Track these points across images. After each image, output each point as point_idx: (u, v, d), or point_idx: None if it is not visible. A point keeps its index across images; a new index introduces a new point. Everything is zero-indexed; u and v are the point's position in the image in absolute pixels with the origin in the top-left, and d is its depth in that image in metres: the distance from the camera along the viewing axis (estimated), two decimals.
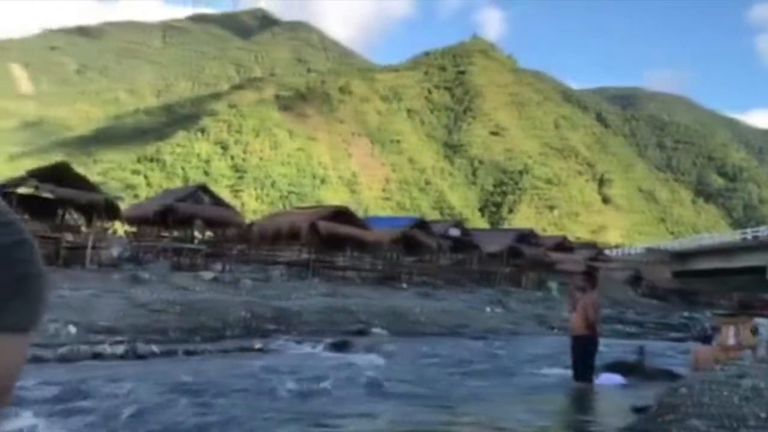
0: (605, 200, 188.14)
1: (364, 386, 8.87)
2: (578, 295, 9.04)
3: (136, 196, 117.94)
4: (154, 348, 12.00)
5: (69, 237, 21.52)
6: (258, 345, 13.40)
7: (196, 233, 27.14)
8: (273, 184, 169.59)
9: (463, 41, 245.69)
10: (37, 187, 20.80)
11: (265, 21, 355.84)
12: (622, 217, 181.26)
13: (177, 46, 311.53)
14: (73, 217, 23.05)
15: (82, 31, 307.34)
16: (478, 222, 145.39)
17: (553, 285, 35.90)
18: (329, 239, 27.99)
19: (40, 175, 20.84)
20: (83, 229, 22.43)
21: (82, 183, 21.79)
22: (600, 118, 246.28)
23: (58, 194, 20.73)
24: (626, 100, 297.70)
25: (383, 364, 11.26)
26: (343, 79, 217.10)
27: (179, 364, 10.70)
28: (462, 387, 9.39)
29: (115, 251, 23.90)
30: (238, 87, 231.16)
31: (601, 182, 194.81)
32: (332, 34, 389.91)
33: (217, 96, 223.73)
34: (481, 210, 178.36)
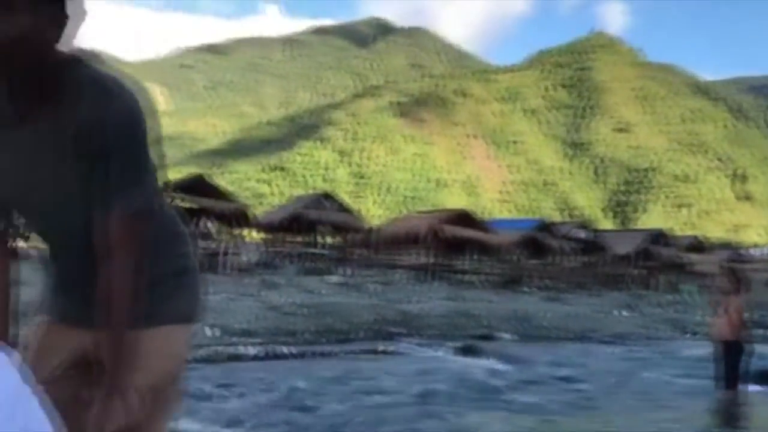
0: (743, 197, 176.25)
1: (493, 392, 8.77)
2: (722, 298, 8.53)
3: (263, 203, 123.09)
4: (286, 350, 12.45)
5: (202, 244, 22.79)
6: (383, 348, 13.58)
7: (322, 238, 27.93)
8: (392, 189, 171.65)
9: (583, 37, 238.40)
10: (176, 198, 22.19)
11: (382, 29, 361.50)
12: (762, 215, 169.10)
13: (298, 59, 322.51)
14: (206, 225, 24.39)
15: (212, 49, 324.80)
16: (603, 223, 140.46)
17: (689, 287, 34.03)
18: (450, 243, 27.97)
19: (180, 186, 22.21)
20: (216, 236, 23.65)
21: (216, 193, 23.02)
22: (735, 110, 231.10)
23: (199, 204, 22.00)
24: (766, 90, 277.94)
25: (511, 370, 11.08)
26: (459, 81, 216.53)
27: (311, 364, 11.04)
28: (595, 394, 9.09)
29: (247, 257, 25.05)
30: (356, 95, 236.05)
31: (738, 178, 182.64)
32: (448, 37, 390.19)
33: (336, 105, 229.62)
34: (606, 210, 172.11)
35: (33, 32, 1.46)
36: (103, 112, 1.53)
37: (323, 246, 28.22)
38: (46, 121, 1.55)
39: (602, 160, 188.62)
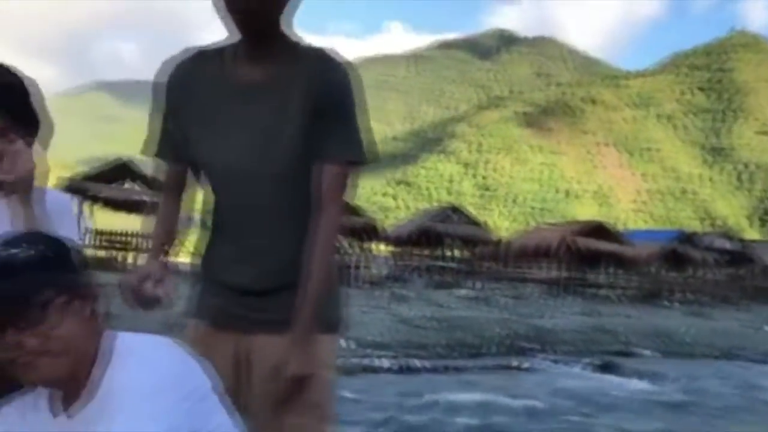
0: None
1: (635, 410, 8.42)
2: None
3: (389, 217, 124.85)
4: (419, 363, 12.55)
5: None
6: (516, 363, 13.36)
7: (450, 251, 27.95)
8: (519, 201, 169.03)
9: (722, 37, 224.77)
10: None
11: (506, 40, 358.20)
12: None
13: (422, 74, 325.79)
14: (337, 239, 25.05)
15: None
16: (748, 232, 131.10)
17: None
18: (582, 256, 27.13)
19: None
20: (347, 249, 24.24)
21: (347, 207, 23.62)
22: None
23: None
24: None
25: (657, 390, 10.58)
26: (588, 88, 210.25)
27: (444, 378, 11.05)
28: (744, 416, 8.50)
29: (376, 270, 25.51)
30: (480, 107, 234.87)
31: None
32: (575, 45, 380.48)
33: (460, 118, 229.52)
34: (752, 219, 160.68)
35: (269, 3, 1.66)
36: (328, 74, 1.72)
37: (451, 259, 28.22)
38: (276, 83, 1.72)
39: (746, 166, 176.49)
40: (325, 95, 1.70)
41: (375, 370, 11.74)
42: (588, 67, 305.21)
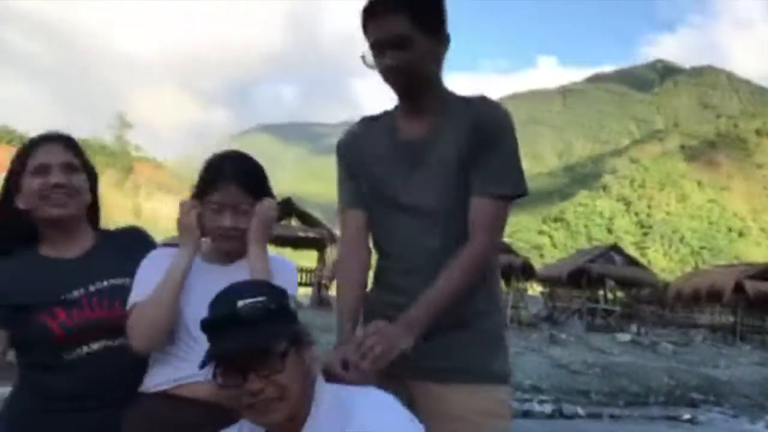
0: None
1: None
2: None
3: (541, 255, 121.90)
4: (579, 410, 12.11)
5: None
6: (687, 415, 12.54)
7: (609, 293, 26.83)
8: (682, 240, 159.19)
9: None
10: None
11: (666, 71, 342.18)
12: None
13: (576, 108, 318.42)
14: None
15: None
16: None
17: None
18: (759, 300, 25.00)
19: None
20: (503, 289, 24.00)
21: (501, 247, 23.44)
22: None
23: None
24: None
25: None
26: (761, 120, 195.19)
27: (608, 427, 10.60)
28: None
29: (532, 311, 24.99)
30: (639, 141, 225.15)
31: None
32: (742, 73, 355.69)
33: (617, 152, 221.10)
34: None
35: (430, 58, 1.82)
36: (487, 115, 1.84)
37: (612, 301, 27.06)
38: (436, 135, 1.85)
39: None
40: (483, 133, 1.81)
41: (533, 414, 11.50)
42: (759, 96, 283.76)
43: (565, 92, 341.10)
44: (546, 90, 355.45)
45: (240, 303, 1.46)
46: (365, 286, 1.94)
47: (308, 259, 27.19)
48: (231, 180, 1.84)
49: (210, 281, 1.71)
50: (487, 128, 1.81)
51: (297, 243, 24.39)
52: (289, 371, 1.46)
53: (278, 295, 1.54)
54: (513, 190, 1.85)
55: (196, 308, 1.67)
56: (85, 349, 1.87)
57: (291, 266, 1.99)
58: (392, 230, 1.89)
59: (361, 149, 1.95)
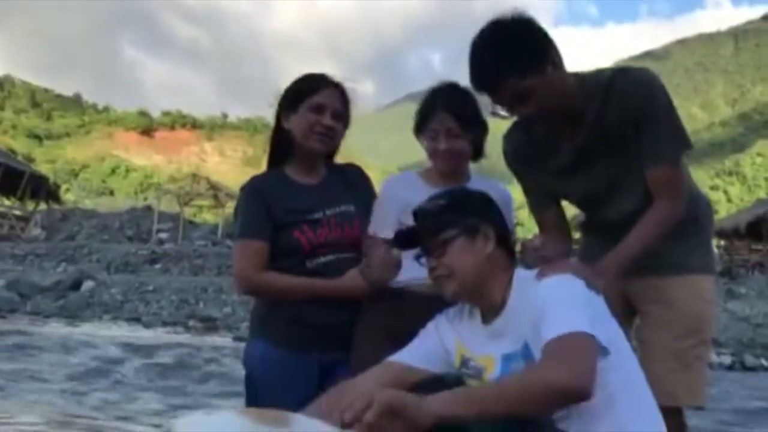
0: None
1: None
2: None
3: (716, 212, 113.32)
4: (764, 361, 11.59)
5: None
6: None
7: None
8: None
9: None
10: None
11: None
12: None
13: (750, 50, 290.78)
14: None
15: (650, 55, 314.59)
16: None
17: None
18: None
19: None
20: None
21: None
22: None
23: None
24: None
25: None
26: None
27: None
28: None
29: None
30: None
31: None
32: None
33: None
34: None
35: (556, 81, 1.96)
36: (633, 86, 1.99)
37: None
38: (595, 125, 2.04)
39: None
40: (634, 109, 1.97)
41: (711, 366, 11.16)
42: None
43: (738, 33, 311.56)
44: (715, 33, 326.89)
45: (424, 205, 1.90)
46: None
47: None
48: (441, 108, 2.21)
49: None
50: (636, 103, 1.97)
51: None
52: (456, 255, 1.80)
53: (458, 196, 1.91)
54: (676, 153, 2.03)
55: None
56: (322, 259, 2.30)
57: (506, 195, 2.32)
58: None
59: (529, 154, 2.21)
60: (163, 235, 24.91)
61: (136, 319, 13.38)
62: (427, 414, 1.46)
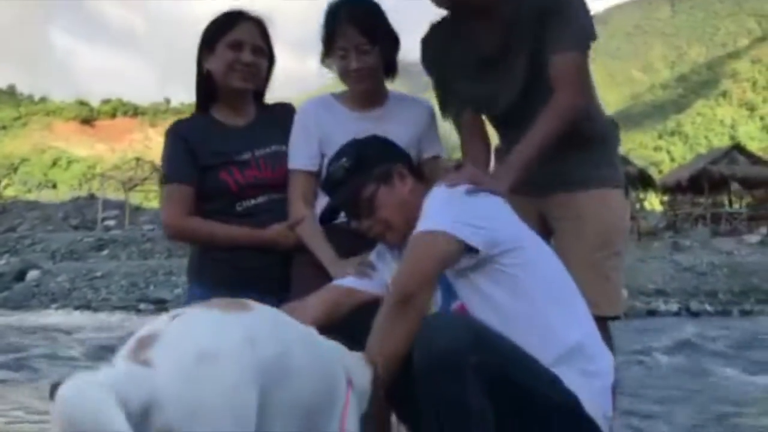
0: None
1: None
2: None
3: (660, 172, 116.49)
4: (708, 307, 11.97)
5: None
6: None
7: (734, 197, 25.59)
8: None
9: None
10: None
11: None
12: None
13: (688, 12, 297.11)
14: None
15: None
16: None
17: None
18: None
19: None
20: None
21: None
22: None
23: None
24: None
25: None
26: None
27: (739, 323, 10.46)
28: None
29: (651, 220, 24.35)
30: (761, 39, 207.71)
31: None
32: None
33: (735, 55, 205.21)
34: None
35: None
36: None
37: (736, 205, 25.79)
38: (503, 29, 2.04)
39: None
40: (541, 3, 1.96)
41: (658, 313, 11.47)
42: None
43: None
44: None
45: (330, 168, 1.88)
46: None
47: None
48: (346, 22, 2.07)
49: (350, 132, 2.02)
50: (544, 6, 1.96)
51: None
52: (384, 206, 1.79)
53: (356, 152, 1.86)
54: (580, 40, 1.98)
55: None
56: (253, 201, 2.25)
57: (429, 107, 2.30)
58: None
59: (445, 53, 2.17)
60: (110, 222, 24.41)
61: (85, 306, 13.11)
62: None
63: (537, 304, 1.64)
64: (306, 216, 2.14)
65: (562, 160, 2.01)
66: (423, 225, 1.63)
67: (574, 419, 1.56)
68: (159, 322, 1.27)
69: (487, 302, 1.64)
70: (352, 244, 2.01)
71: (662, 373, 6.49)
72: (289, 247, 2.18)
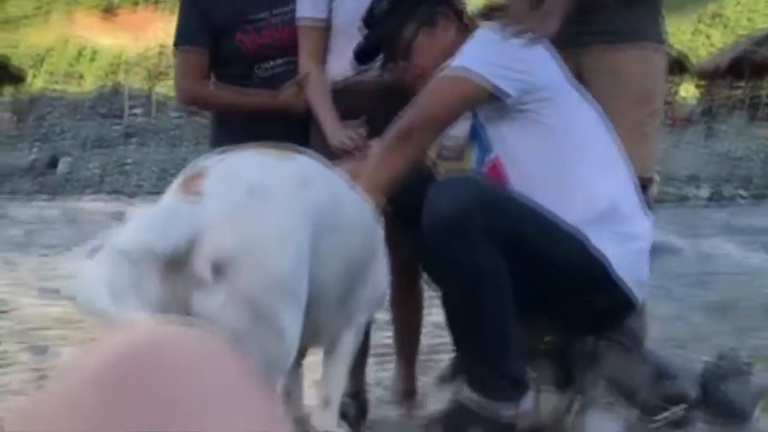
0: None
1: None
2: None
3: (698, 57, 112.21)
4: (741, 191, 11.82)
5: None
6: None
7: None
8: None
9: None
10: None
11: None
12: None
13: None
14: None
15: None
16: None
17: None
18: None
19: None
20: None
21: None
22: None
23: None
24: None
25: None
26: None
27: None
28: None
29: (689, 107, 23.73)
30: None
31: None
32: None
33: None
34: None
35: None
36: None
37: None
38: None
39: None
40: None
41: (689, 198, 11.36)
42: None
43: None
44: None
45: (369, 11, 1.76)
46: None
47: None
48: None
49: None
50: None
51: None
52: (423, 51, 1.69)
53: None
54: None
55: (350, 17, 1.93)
56: (271, 63, 2.16)
57: None
58: None
59: None
60: (137, 110, 24.46)
61: (118, 192, 13.33)
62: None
63: (570, 158, 1.58)
64: (312, 72, 2.04)
65: (602, 11, 1.92)
66: (455, 62, 1.56)
67: (599, 282, 1.52)
68: (208, 160, 1.25)
69: (520, 153, 1.59)
70: (367, 108, 1.93)
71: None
72: (302, 110, 2.09)
